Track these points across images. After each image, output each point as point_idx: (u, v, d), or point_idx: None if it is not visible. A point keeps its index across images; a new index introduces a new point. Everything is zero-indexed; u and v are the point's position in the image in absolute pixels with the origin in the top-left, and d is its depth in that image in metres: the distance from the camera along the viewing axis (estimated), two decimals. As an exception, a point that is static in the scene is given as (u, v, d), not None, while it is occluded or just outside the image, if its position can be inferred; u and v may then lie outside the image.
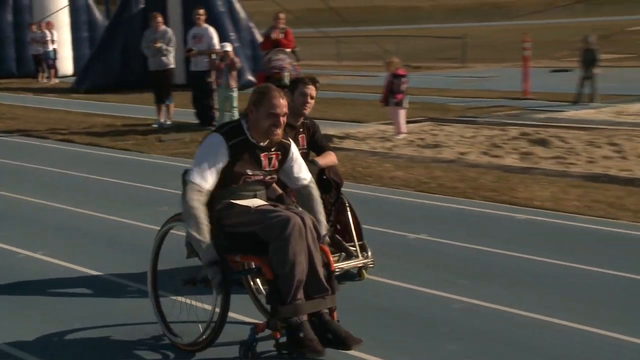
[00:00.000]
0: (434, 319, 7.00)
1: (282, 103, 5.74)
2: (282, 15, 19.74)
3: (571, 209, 11.10)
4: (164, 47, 18.46)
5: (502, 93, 25.98)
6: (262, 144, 5.82)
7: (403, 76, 17.32)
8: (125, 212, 11.05)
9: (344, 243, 6.86)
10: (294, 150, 6.14)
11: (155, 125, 18.91)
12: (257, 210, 5.70)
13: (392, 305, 7.32)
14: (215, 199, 5.81)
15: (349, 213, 7.58)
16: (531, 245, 9.37)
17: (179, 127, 18.59)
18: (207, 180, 5.66)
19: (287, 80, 18.51)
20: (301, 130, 7.83)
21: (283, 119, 5.84)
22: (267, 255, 5.57)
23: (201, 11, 19.23)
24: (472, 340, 6.42)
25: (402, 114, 17.38)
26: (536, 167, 14.32)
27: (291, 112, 6.88)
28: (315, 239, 5.64)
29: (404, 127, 17.43)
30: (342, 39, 44.21)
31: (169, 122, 18.98)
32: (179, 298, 6.49)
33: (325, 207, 6.65)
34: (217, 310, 5.62)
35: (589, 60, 23.11)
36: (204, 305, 6.28)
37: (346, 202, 7.63)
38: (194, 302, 6.31)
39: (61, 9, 35.26)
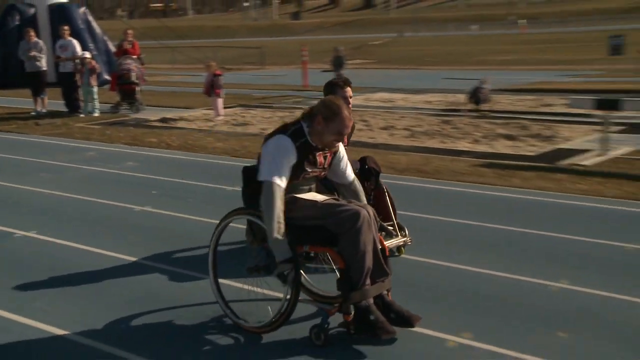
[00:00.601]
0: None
1: (350, 124, 4.86)
2: (130, 31, 19.56)
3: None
4: (37, 54, 17.84)
5: (289, 86, 26.10)
6: (319, 146, 4.90)
7: (219, 75, 17.23)
8: (15, 179, 10.52)
9: (384, 224, 5.89)
10: (342, 150, 5.22)
11: (33, 113, 18.19)
12: (324, 204, 4.84)
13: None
14: None
15: (387, 197, 6.42)
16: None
17: (52, 114, 17.85)
18: (284, 180, 4.73)
19: (134, 78, 18.40)
20: None
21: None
22: (335, 245, 4.74)
23: (66, 27, 18.97)
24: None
25: (220, 102, 17.25)
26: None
27: None
28: (377, 227, 4.90)
29: (221, 111, 17.28)
30: (176, 48, 43.69)
31: (44, 110, 18.26)
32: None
33: (366, 193, 5.76)
34: (288, 297, 4.75)
35: (338, 64, 23.63)
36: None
37: (384, 187, 6.50)
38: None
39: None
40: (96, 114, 18.05)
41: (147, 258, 6.78)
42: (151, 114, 17.92)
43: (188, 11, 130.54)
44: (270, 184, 4.67)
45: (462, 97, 18.96)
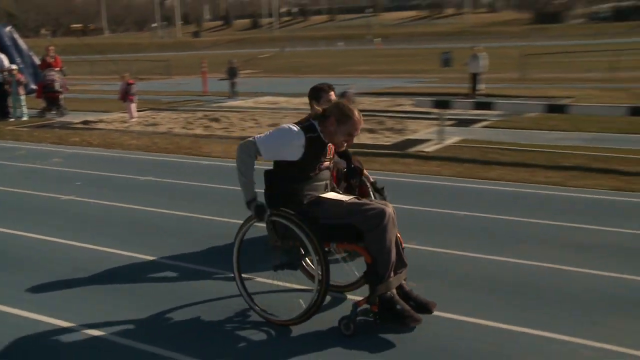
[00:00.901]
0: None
1: (360, 127, 4.37)
2: (51, 47, 18.71)
3: (235, 154, 11.03)
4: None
5: (191, 92, 25.58)
6: (329, 142, 4.41)
7: (132, 84, 16.72)
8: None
9: None
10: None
11: (-30, 117, 17.17)
12: (350, 203, 4.33)
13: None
14: (299, 192, 4.34)
15: (370, 190, 5.82)
16: (204, 176, 9.24)
17: (-13, 119, 16.92)
18: (264, 151, 4.27)
19: (57, 87, 17.69)
20: None
21: None
22: (361, 241, 4.26)
23: (-6, 44, 17.86)
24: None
25: (133, 106, 16.75)
26: (213, 134, 14.12)
27: None
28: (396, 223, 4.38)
29: (135, 114, 16.76)
30: (94, 62, 42.18)
31: (-21, 115, 17.30)
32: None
33: (352, 189, 5.47)
34: (318, 288, 4.25)
35: (232, 73, 23.46)
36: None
37: (367, 182, 5.86)
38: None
39: None
40: (25, 118, 17.17)
41: (70, 238, 6.45)
42: (74, 118, 17.17)
43: (105, 31, 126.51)
44: (253, 144, 4.26)
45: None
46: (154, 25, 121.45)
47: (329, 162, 4.49)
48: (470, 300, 4.81)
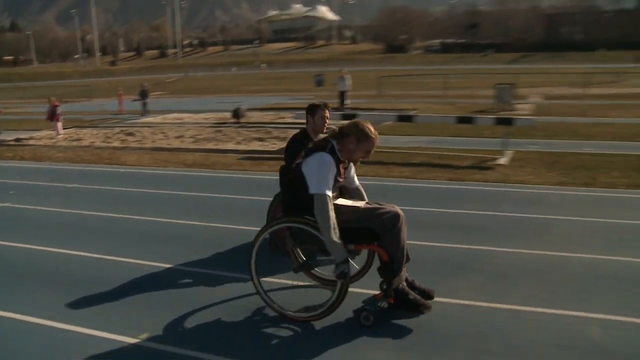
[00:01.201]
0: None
1: (376, 144, 3.88)
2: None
3: (147, 162, 10.78)
4: None
5: (110, 112, 24.50)
6: (344, 160, 3.95)
7: (57, 106, 15.90)
8: None
9: None
10: (352, 163, 4.18)
11: None
12: (366, 209, 3.90)
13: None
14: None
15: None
16: (122, 182, 8.98)
17: None
18: (330, 191, 3.76)
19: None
20: None
21: None
22: (377, 242, 3.86)
23: None
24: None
25: (59, 125, 15.90)
26: (129, 146, 13.61)
27: (313, 131, 5.03)
28: None
29: (61, 131, 15.92)
30: (25, 88, 39.64)
31: None
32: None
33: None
34: (339, 288, 3.83)
35: (143, 95, 22.74)
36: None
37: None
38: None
39: None
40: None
41: (12, 240, 6.07)
42: (8, 136, 16.05)
43: (34, 62, 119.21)
44: (324, 196, 3.71)
45: (228, 115, 18.84)
46: (76, 56, 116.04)
47: (342, 180, 4.01)
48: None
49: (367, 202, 4.08)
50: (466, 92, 27.48)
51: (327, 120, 4.99)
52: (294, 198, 3.91)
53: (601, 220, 6.27)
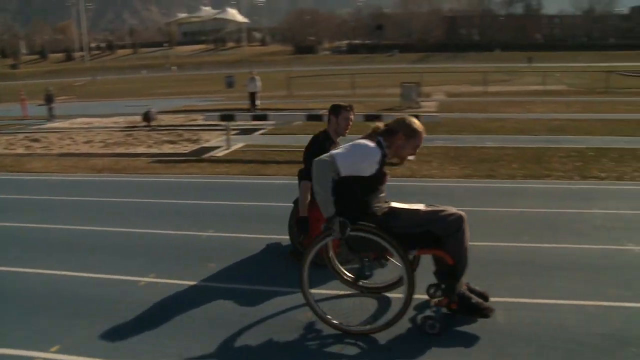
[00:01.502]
0: None
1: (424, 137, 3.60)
2: None
3: (55, 169, 10.17)
4: None
5: (13, 117, 22.68)
6: (389, 157, 3.62)
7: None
8: None
9: None
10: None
11: None
12: (428, 212, 3.60)
13: None
14: (370, 204, 3.59)
15: None
16: (26, 190, 8.37)
17: None
18: (345, 169, 3.44)
19: None
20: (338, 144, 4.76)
21: None
22: (440, 246, 3.55)
23: None
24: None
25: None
26: (34, 152, 12.78)
27: (335, 132, 4.81)
28: None
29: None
30: None
31: None
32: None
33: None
34: (405, 296, 3.52)
35: (49, 99, 21.52)
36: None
37: None
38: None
39: None
40: None
41: None
42: None
43: None
44: (331, 162, 3.42)
45: (138, 118, 18.16)
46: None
47: (388, 175, 3.73)
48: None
49: (426, 205, 3.75)
50: (373, 91, 28.05)
51: (350, 122, 4.78)
52: (345, 206, 3.55)
53: (503, 209, 6.53)
